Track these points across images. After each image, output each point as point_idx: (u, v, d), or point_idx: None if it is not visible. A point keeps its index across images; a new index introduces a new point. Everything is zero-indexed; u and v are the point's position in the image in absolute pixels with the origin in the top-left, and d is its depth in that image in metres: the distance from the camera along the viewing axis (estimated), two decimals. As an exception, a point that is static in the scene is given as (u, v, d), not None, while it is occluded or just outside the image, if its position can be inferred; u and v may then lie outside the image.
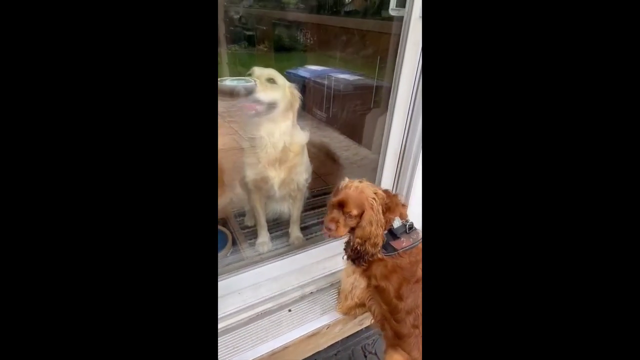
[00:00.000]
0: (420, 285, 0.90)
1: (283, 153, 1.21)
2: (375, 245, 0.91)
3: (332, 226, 0.91)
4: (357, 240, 0.92)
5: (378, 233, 0.90)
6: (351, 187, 0.91)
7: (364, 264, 0.96)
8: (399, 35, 1.10)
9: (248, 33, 2.74)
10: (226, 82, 1.11)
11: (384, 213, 0.93)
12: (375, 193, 0.92)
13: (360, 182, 0.93)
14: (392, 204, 0.95)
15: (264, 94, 1.10)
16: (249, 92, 1.08)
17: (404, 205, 0.99)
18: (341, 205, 0.90)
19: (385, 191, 0.97)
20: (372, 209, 0.90)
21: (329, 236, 0.95)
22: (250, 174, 1.27)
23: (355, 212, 0.89)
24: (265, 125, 1.16)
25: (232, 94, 1.14)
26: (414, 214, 1.01)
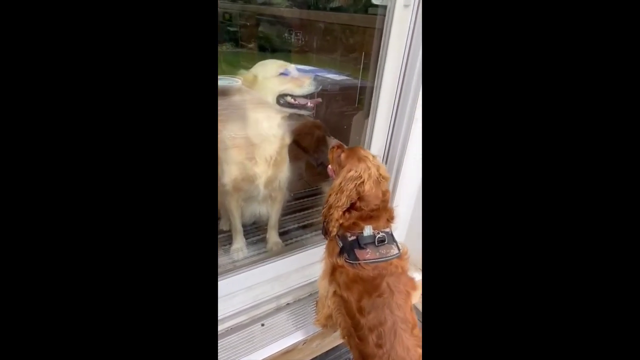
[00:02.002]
0: (383, 301, 0.83)
1: (280, 145, 1.19)
2: (330, 217, 0.89)
3: (335, 143, 1.01)
4: (326, 200, 0.92)
5: (336, 204, 0.87)
6: (362, 150, 0.94)
7: (325, 236, 0.94)
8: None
9: (232, 29, 2.65)
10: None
11: (363, 217, 0.89)
12: (368, 174, 0.88)
13: (374, 158, 0.92)
14: (380, 211, 0.90)
15: None
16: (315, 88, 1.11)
17: (389, 220, 0.93)
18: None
19: (385, 193, 0.92)
20: (346, 172, 0.88)
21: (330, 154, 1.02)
22: (233, 173, 1.19)
23: (343, 156, 0.93)
24: (282, 119, 1.15)
25: (220, 93, 1.15)
26: (398, 218, 0.96)
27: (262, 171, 1.20)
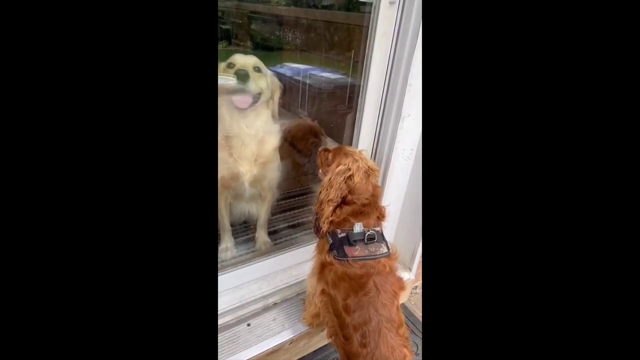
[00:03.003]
0: (368, 299, 0.82)
1: (260, 146, 1.15)
2: (321, 212, 0.89)
3: (321, 147, 1.03)
4: (317, 198, 0.92)
5: (327, 198, 0.88)
6: (348, 148, 0.95)
7: (317, 234, 0.94)
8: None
9: (224, 27, 2.62)
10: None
11: (355, 213, 0.88)
12: (356, 166, 0.88)
13: (360, 153, 0.92)
14: (371, 208, 0.90)
15: (255, 85, 1.04)
16: (240, 84, 1.02)
17: (379, 218, 0.92)
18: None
19: (376, 188, 0.91)
20: (335, 166, 0.89)
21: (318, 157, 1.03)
22: (220, 171, 1.17)
23: (330, 156, 0.94)
24: (247, 118, 1.09)
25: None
26: (387, 216, 0.95)
27: (246, 170, 1.17)
